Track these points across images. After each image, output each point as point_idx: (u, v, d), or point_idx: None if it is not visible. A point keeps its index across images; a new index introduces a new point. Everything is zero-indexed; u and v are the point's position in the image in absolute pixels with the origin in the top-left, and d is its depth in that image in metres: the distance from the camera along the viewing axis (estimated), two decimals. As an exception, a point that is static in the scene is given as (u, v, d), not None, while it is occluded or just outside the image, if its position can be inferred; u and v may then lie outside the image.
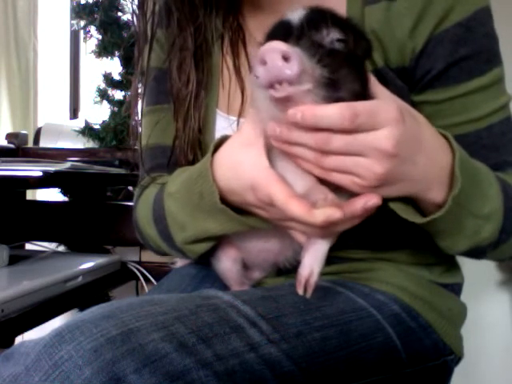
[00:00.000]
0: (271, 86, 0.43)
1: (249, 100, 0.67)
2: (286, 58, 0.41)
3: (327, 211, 0.45)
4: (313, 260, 0.53)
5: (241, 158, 0.52)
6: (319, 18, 0.47)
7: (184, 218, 0.61)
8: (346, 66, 0.45)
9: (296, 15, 0.47)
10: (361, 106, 0.44)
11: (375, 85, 0.49)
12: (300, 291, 0.52)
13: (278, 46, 0.41)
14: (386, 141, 0.44)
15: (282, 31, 0.47)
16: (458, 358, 0.70)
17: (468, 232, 0.56)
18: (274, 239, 0.61)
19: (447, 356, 0.66)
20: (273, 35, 0.47)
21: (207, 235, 0.60)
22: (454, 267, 0.72)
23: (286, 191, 0.47)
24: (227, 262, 0.66)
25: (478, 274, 1.42)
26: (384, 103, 0.45)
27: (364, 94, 0.46)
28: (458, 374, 0.73)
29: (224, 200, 0.55)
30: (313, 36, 0.45)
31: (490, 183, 0.57)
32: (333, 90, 0.44)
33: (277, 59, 0.41)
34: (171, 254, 0.71)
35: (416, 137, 0.48)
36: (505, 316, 1.49)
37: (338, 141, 0.44)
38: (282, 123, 0.46)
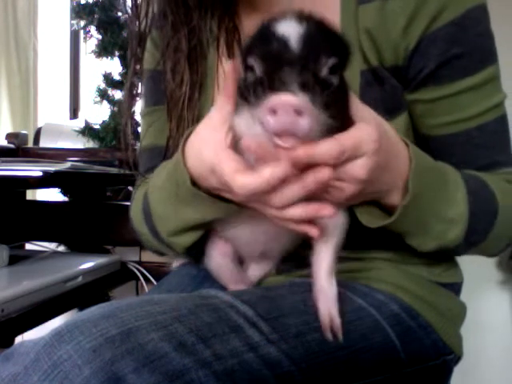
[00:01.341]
0: (279, 133, 0.42)
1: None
2: (298, 113, 0.41)
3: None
4: (326, 303, 0.55)
5: (204, 143, 0.52)
6: (316, 38, 0.45)
7: (165, 209, 0.62)
8: (340, 100, 0.46)
9: (291, 30, 0.44)
10: (347, 141, 0.45)
11: (355, 104, 0.49)
12: (329, 336, 0.54)
13: (292, 100, 0.40)
14: (360, 170, 0.47)
15: (278, 56, 0.44)
16: (457, 358, 0.70)
17: (434, 234, 0.58)
18: (260, 227, 0.61)
19: (447, 355, 0.66)
20: (268, 58, 0.44)
21: (188, 225, 0.61)
22: (453, 267, 0.72)
23: (235, 166, 0.47)
24: (218, 258, 0.67)
25: (477, 273, 1.42)
26: (366, 133, 0.47)
27: (349, 118, 0.48)
28: (457, 374, 0.73)
29: (198, 187, 0.55)
30: (312, 68, 0.43)
31: (457, 188, 0.58)
32: (329, 129, 0.44)
33: (290, 113, 0.40)
34: (164, 251, 0.71)
35: (386, 159, 0.50)
36: (505, 316, 1.49)
37: (325, 170, 0.45)
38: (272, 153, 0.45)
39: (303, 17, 0.46)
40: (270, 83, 0.42)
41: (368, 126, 0.47)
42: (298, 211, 0.47)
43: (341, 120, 0.45)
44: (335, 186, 0.48)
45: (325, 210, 0.47)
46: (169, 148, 0.73)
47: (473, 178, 0.61)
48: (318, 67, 0.43)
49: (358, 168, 0.47)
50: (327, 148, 0.44)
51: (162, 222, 0.64)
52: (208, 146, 0.51)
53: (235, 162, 0.47)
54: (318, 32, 0.45)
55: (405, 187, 0.54)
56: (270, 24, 0.46)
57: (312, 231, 0.48)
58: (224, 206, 0.56)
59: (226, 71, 0.49)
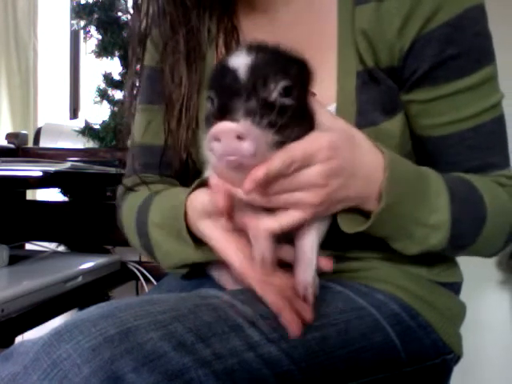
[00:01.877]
0: (225, 157, 0.45)
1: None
2: (240, 137, 0.44)
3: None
4: (304, 271, 0.55)
5: (202, 226, 0.58)
6: (264, 66, 0.48)
7: (168, 248, 0.65)
8: (294, 119, 0.48)
9: (240, 62, 0.48)
10: (296, 151, 0.48)
11: (320, 113, 0.52)
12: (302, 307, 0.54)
13: (232, 127, 0.44)
14: (316, 176, 0.49)
15: (229, 86, 0.48)
16: (457, 357, 0.70)
17: (415, 239, 0.59)
18: None
19: (447, 355, 0.66)
20: (220, 90, 0.48)
21: (191, 262, 0.64)
22: (453, 266, 0.72)
23: (242, 263, 0.54)
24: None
25: (477, 273, 1.42)
26: (317, 142, 0.49)
27: (311, 129, 0.50)
28: (457, 373, 0.73)
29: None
30: (260, 94, 0.46)
31: (438, 195, 0.58)
32: (282, 145, 0.47)
33: (232, 139, 0.44)
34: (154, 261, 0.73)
35: (348, 164, 0.52)
36: (505, 316, 1.49)
37: (278, 184, 0.49)
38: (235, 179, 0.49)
39: (253, 47, 0.50)
40: (219, 113, 0.46)
41: (320, 134, 0.50)
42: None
43: (299, 135, 0.48)
44: (298, 197, 0.50)
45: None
46: (168, 148, 0.74)
47: (460, 182, 0.61)
48: (266, 92, 0.47)
49: (314, 174, 0.49)
50: (278, 161, 0.47)
51: (164, 256, 0.67)
52: (206, 231, 0.57)
53: (239, 256, 0.54)
54: (267, 59, 0.49)
55: (380, 196, 0.54)
56: (225, 58, 0.51)
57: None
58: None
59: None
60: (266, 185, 0.48)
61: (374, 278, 0.66)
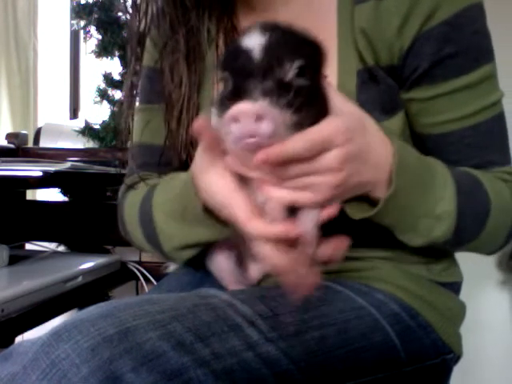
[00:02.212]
0: (244, 139, 0.45)
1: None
2: (259, 118, 0.43)
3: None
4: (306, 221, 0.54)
5: (209, 178, 0.54)
6: (278, 46, 0.47)
7: (171, 226, 0.63)
8: (310, 100, 0.47)
9: (253, 43, 0.48)
10: (315, 135, 0.47)
11: (332, 96, 0.51)
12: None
13: (251, 107, 0.43)
14: (334, 160, 0.48)
15: (244, 67, 0.47)
16: (457, 357, 0.70)
17: (420, 230, 0.58)
18: None
19: (446, 355, 0.66)
20: (235, 71, 0.48)
21: (195, 242, 0.62)
22: (453, 266, 0.72)
23: (247, 213, 0.50)
24: (221, 259, 0.67)
25: (477, 273, 1.42)
26: (335, 125, 0.48)
27: (325, 111, 0.49)
28: (457, 373, 0.73)
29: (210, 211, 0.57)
30: (276, 74, 0.46)
31: (445, 185, 0.58)
32: (299, 126, 0.46)
33: (250, 120, 0.43)
34: (155, 254, 0.72)
35: (362, 149, 0.51)
36: (505, 315, 1.49)
37: (295, 168, 0.48)
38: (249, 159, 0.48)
39: (267, 27, 0.49)
40: (236, 94, 0.45)
41: (337, 119, 0.49)
42: None
43: (315, 117, 0.47)
44: (314, 181, 0.49)
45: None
46: (168, 148, 0.74)
47: (466, 176, 0.61)
48: (282, 72, 0.46)
49: (332, 159, 0.48)
50: (296, 143, 0.46)
51: (167, 238, 0.65)
52: (212, 184, 0.53)
53: (246, 207, 0.50)
54: (281, 39, 0.48)
55: (389, 181, 0.54)
56: (238, 39, 0.50)
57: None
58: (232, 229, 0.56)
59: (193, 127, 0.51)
60: (282, 165, 0.47)
61: (374, 278, 0.66)
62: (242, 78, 0.46)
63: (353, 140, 0.49)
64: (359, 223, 0.56)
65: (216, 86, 0.73)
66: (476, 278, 1.40)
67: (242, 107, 0.43)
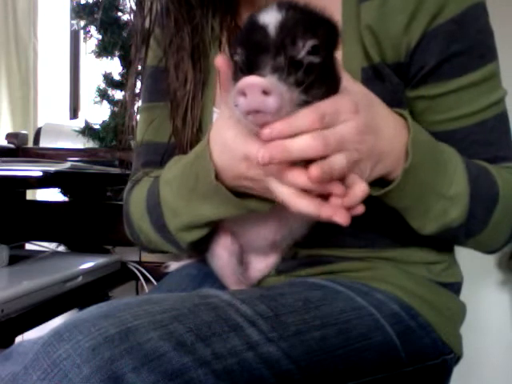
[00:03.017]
0: (250, 113, 0.44)
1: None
2: (265, 92, 0.43)
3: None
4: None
5: (231, 132, 0.52)
6: (293, 23, 0.47)
7: (178, 202, 0.62)
8: (321, 79, 0.47)
9: (270, 18, 0.48)
10: (325, 107, 0.46)
11: (345, 79, 0.51)
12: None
13: (258, 81, 0.43)
14: (350, 131, 0.47)
15: (257, 42, 0.47)
16: (457, 358, 0.70)
17: (435, 212, 0.58)
18: (272, 216, 0.62)
19: (446, 355, 0.66)
20: (248, 45, 0.48)
21: (201, 220, 0.61)
22: (453, 266, 0.72)
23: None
24: (223, 255, 0.67)
25: (477, 273, 1.42)
26: (341, 99, 0.48)
27: (335, 92, 0.49)
28: (457, 374, 0.73)
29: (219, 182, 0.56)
30: (289, 51, 0.46)
31: (456, 168, 0.58)
32: (308, 103, 0.46)
33: (257, 94, 0.43)
34: (162, 247, 0.71)
35: (372, 122, 0.51)
36: (505, 316, 1.49)
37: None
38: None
39: (284, 5, 0.49)
40: (246, 68, 0.46)
41: (343, 95, 0.48)
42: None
43: (325, 97, 0.47)
44: (333, 161, 0.47)
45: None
46: (172, 146, 0.73)
47: (474, 164, 0.61)
48: (294, 50, 0.46)
49: (347, 130, 0.47)
50: (306, 116, 0.45)
51: (173, 214, 0.64)
52: (236, 136, 0.52)
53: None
54: (297, 17, 0.48)
55: (405, 155, 0.54)
56: (254, 15, 0.49)
57: (337, 217, 0.47)
58: (242, 204, 0.56)
59: (216, 62, 0.50)
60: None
61: (375, 278, 0.66)
62: (255, 53, 0.46)
63: (360, 112, 0.49)
64: (359, 223, 0.56)
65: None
66: (476, 278, 1.41)
67: (250, 80, 0.43)
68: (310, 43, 0.46)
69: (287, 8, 0.48)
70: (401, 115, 0.56)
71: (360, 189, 0.48)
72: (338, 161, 0.46)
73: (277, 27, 0.47)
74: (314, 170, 0.45)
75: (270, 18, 0.47)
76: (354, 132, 0.47)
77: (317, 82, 0.46)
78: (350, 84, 0.51)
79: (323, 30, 0.49)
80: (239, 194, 0.56)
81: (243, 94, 0.43)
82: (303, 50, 0.46)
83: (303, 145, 0.45)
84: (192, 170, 0.59)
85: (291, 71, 0.45)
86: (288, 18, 0.47)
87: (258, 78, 0.43)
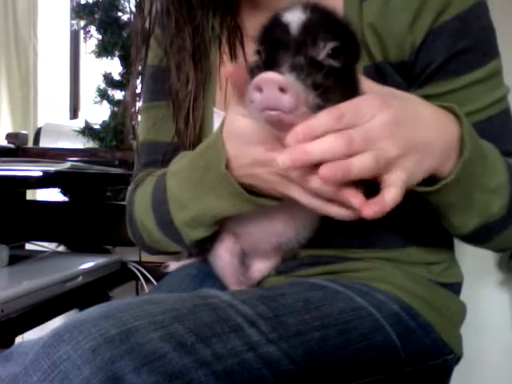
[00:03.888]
0: (266, 110, 0.44)
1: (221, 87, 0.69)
2: (282, 90, 0.42)
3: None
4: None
5: (246, 120, 0.51)
6: (316, 24, 0.47)
7: (186, 195, 0.61)
8: (339, 84, 0.46)
9: (293, 17, 0.47)
10: (344, 105, 0.45)
11: (364, 83, 0.50)
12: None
13: (275, 77, 0.42)
14: (380, 128, 0.45)
15: (278, 40, 0.47)
16: (457, 358, 0.70)
17: (478, 206, 0.56)
18: (277, 219, 0.62)
19: (447, 355, 0.66)
20: (269, 43, 0.47)
21: (208, 215, 0.60)
22: (453, 266, 0.72)
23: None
24: (226, 255, 0.67)
25: (478, 273, 1.42)
26: (364, 97, 0.47)
27: (354, 96, 0.48)
28: (457, 374, 0.73)
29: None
30: (309, 51, 0.46)
31: (496, 156, 0.57)
32: (322, 108, 0.45)
33: (273, 90, 0.42)
34: (164, 246, 0.70)
35: (403, 113, 0.48)
36: (505, 316, 1.49)
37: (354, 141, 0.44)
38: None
39: (309, 6, 0.49)
40: (265, 65, 0.46)
41: (366, 95, 0.47)
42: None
43: (342, 100, 0.46)
44: (377, 150, 0.45)
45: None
46: (173, 146, 0.73)
47: (498, 154, 0.60)
48: (315, 51, 0.46)
49: (374, 126, 0.45)
50: (324, 116, 0.44)
51: (180, 208, 0.63)
52: (251, 124, 0.50)
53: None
54: (320, 19, 0.48)
55: (459, 151, 0.52)
56: (278, 13, 0.50)
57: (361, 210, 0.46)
58: (249, 197, 0.55)
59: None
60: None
61: (374, 278, 0.66)
62: (275, 50, 0.46)
63: (389, 105, 0.47)
64: (359, 224, 0.55)
65: (218, 85, 0.73)
66: (476, 277, 1.40)
67: (267, 76, 0.43)
68: (330, 45, 0.46)
69: (311, 9, 0.48)
70: (444, 107, 0.54)
71: (390, 195, 0.46)
72: (361, 160, 0.44)
73: (299, 26, 0.46)
74: (325, 169, 0.43)
75: (293, 17, 0.47)
76: (382, 127, 0.45)
77: (334, 87, 0.46)
78: (372, 85, 0.51)
79: (345, 35, 0.49)
80: (246, 190, 0.56)
81: (259, 89, 0.43)
82: (323, 51, 0.46)
83: (325, 146, 0.43)
84: (202, 160, 0.58)
85: (310, 72, 0.44)
86: (311, 18, 0.47)
87: (276, 75, 0.43)
